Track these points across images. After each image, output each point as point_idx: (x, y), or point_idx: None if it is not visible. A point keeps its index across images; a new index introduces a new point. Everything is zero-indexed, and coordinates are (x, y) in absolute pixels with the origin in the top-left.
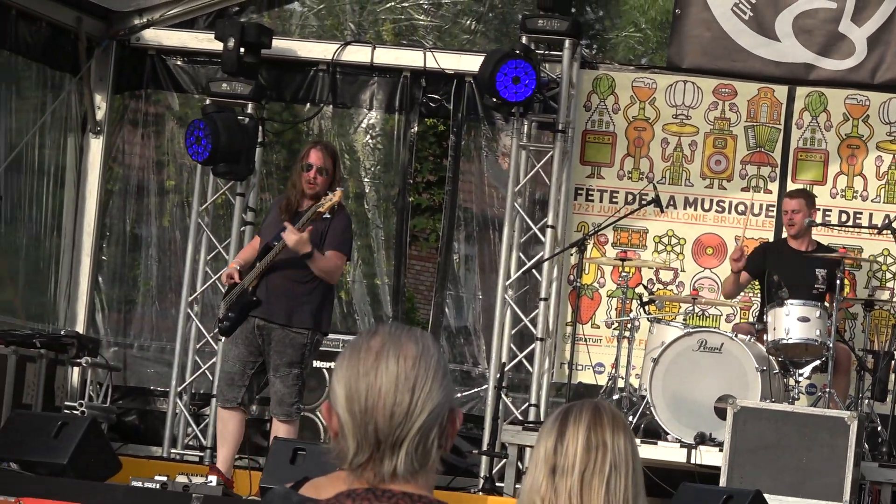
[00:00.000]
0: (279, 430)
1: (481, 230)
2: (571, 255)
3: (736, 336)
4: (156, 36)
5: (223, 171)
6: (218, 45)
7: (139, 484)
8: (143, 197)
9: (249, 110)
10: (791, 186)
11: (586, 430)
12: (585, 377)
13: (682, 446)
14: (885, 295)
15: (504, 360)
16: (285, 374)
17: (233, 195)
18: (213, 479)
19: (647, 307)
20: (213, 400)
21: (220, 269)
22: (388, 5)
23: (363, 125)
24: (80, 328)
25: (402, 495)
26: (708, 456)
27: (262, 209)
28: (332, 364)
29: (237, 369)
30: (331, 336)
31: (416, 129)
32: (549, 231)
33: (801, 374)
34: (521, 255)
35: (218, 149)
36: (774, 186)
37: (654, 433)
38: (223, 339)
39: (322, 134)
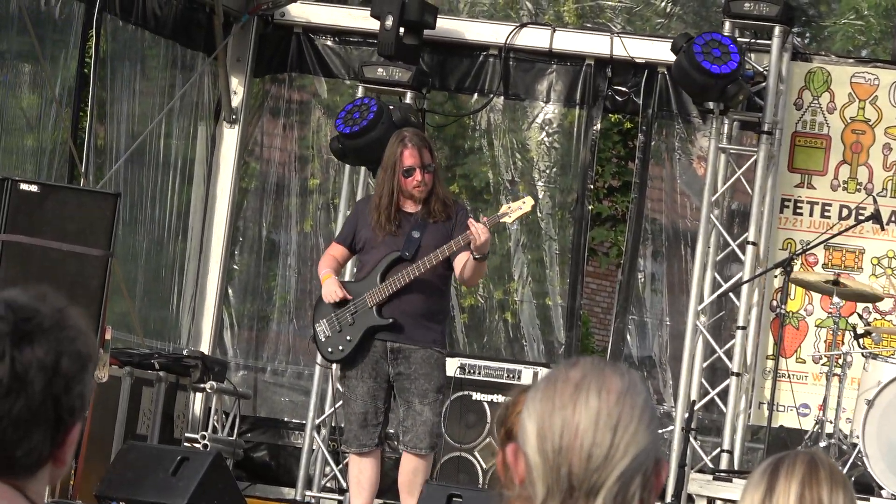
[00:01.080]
0: (415, 466)
1: (671, 245)
2: (775, 276)
3: None
4: (303, 12)
5: (369, 166)
6: (374, 24)
7: None
8: (283, 197)
9: (408, 99)
10: None
11: (800, 485)
12: (788, 420)
13: None
14: None
15: (693, 397)
16: (434, 399)
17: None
18: None
19: (861, 340)
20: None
21: None
22: None
23: (538, 120)
24: (205, 348)
25: None
26: None
27: None
28: (494, 397)
29: (370, 407)
30: (494, 365)
31: (598, 126)
32: (749, 248)
33: None
34: (716, 275)
35: (373, 130)
36: None
37: (866, 487)
38: (335, 367)
39: (491, 130)
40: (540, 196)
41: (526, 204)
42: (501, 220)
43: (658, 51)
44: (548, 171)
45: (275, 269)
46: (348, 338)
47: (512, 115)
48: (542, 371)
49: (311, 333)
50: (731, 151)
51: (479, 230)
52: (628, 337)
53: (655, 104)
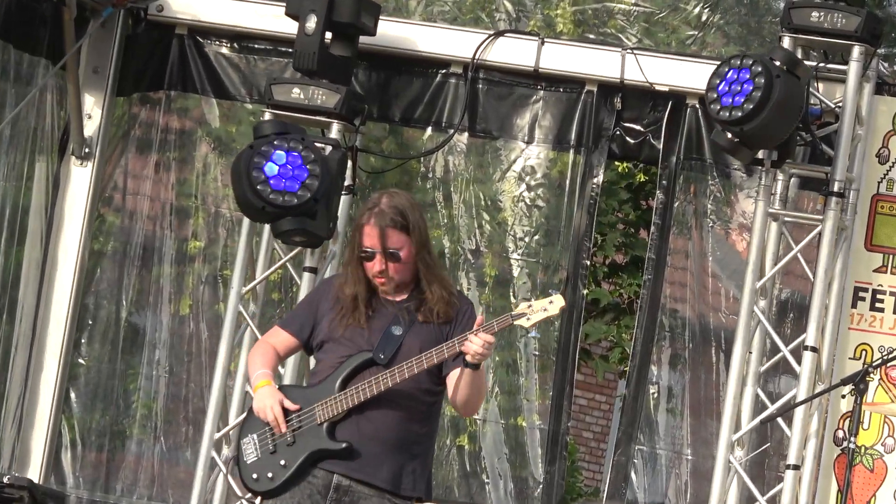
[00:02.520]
0: None
1: (697, 348)
2: (843, 396)
3: None
4: (189, 5)
5: (290, 230)
6: (290, 26)
7: None
8: (152, 265)
9: (334, 133)
10: None
11: None
12: None
13: None
14: None
15: None
16: None
17: (298, 270)
18: None
19: None
20: None
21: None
22: None
23: (516, 167)
24: (34, 474)
25: None
26: None
27: None
28: None
29: None
30: None
31: (601, 177)
32: (807, 356)
33: None
34: (759, 392)
35: (323, 189)
36: None
37: None
38: (257, 501)
39: (450, 179)
40: (514, 274)
41: (553, 305)
42: (516, 324)
43: (686, 75)
44: (527, 240)
45: (136, 367)
46: (282, 462)
47: (479, 160)
48: None
49: (230, 454)
50: (787, 220)
51: (479, 342)
52: (633, 476)
53: (681, 149)
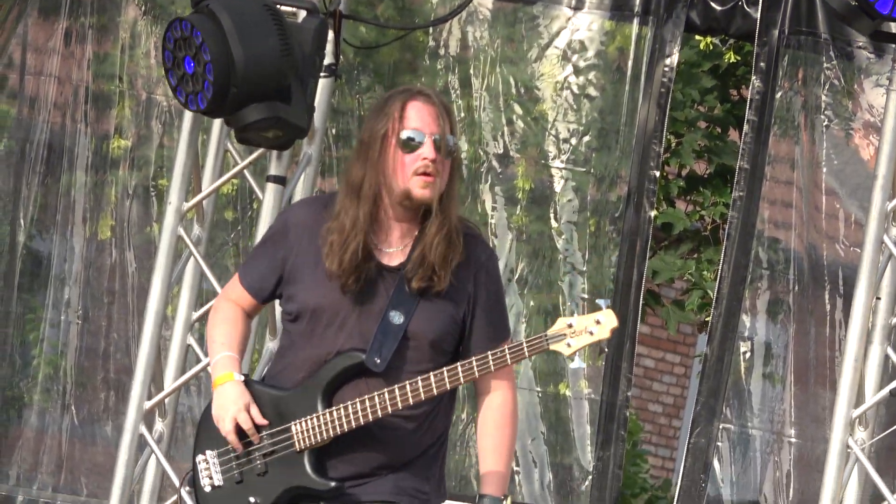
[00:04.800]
0: None
1: (805, 292)
2: None
3: None
4: None
5: (259, 122)
6: None
7: None
8: (60, 172)
9: None
10: None
11: None
12: None
13: None
14: None
15: None
16: None
17: (259, 180)
18: None
19: None
20: None
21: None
22: None
23: (559, 43)
24: None
25: None
26: None
27: None
28: None
29: None
30: None
31: (676, 57)
32: None
33: None
34: (890, 352)
35: (230, 80)
36: None
37: None
38: None
39: (469, 58)
40: (558, 189)
41: (602, 326)
42: (553, 349)
43: None
44: (573, 142)
45: (38, 310)
46: (252, 500)
47: (509, 32)
48: None
49: (182, 473)
50: None
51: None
52: (716, 464)
53: (786, 20)
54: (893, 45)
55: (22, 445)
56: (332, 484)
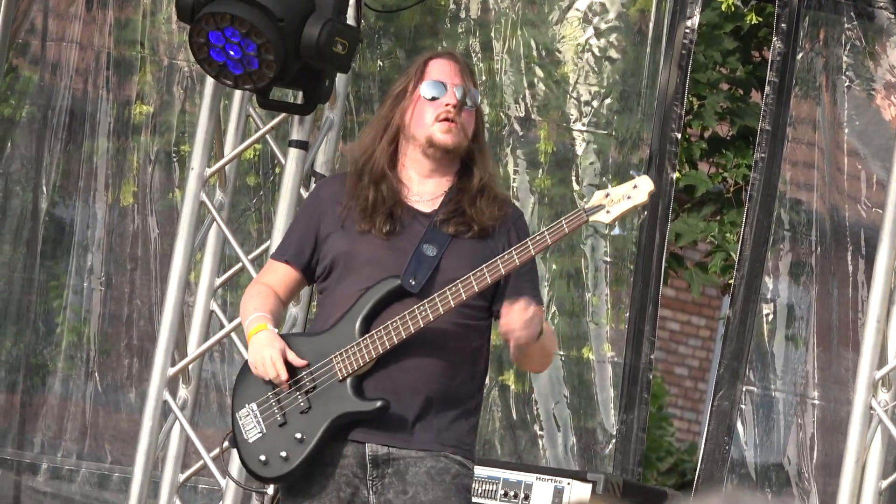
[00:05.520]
0: None
1: (827, 253)
2: None
3: None
4: None
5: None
6: None
7: None
8: (82, 139)
9: None
10: None
11: None
12: None
13: None
14: None
15: None
16: None
17: (281, 145)
18: None
19: None
20: None
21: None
22: None
23: (580, 5)
24: None
25: None
26: None
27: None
28: None
29: None
30: (480, 473)
31: (697, 18)
32: None
33: None
34: None
35: (286, 50)
36: None
37: None
38: (270, 490)
39: (490, 20)
40: (578, 151)
41: (639, 190)
42: (593, 221)
43: None
44: (595, 104)
45: (61, 277)
46: (298, 436)
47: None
48: (576, 489)
49: (226, 430)
50: None
51: (519, 312)
52: (739, 427)
53: None
54: None
55: (46, 413)
56: (378, 404)
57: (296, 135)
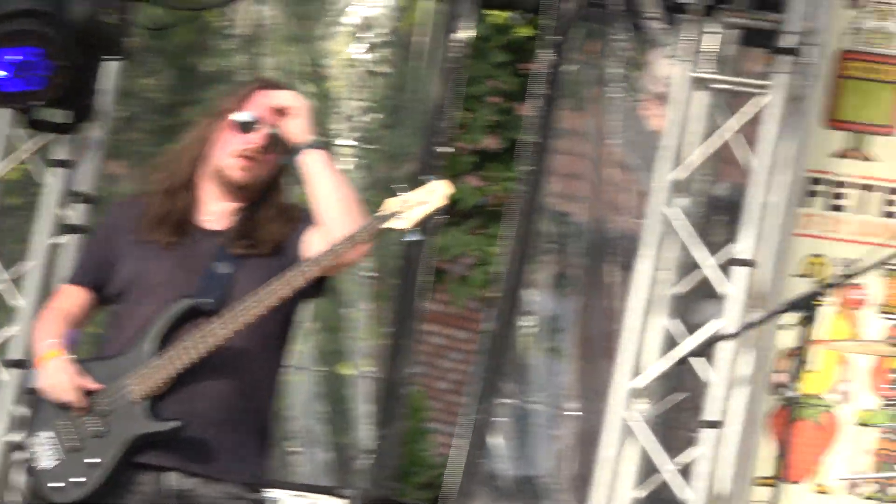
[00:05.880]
0: None
1: (595, 266)
2: (780, 328)
3: None
4: None
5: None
6: None
7: None
8: None
9: None
10: None
11: None
12: None
13: None
14: None
15: None
16: None
17: (41, 165)
18: None
19: None
20: None
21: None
22: None
23: (349, 21)
24: None
25: None
26: None
27: (101, 202)
28: None
29: None
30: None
31: (469, 32)
32: (739, 274)
33: None
34: (670, 323)
35: (60, 70)
36: None
37: None
38: None
39: (260, 36)
40: (350, 167)
41: (436, 193)
42: (386, 228)
43: None
44: (365, 119)
45: None
46: (93, 460)
47: (301, 11)
48: None
49: (20, 458)
50: (721, 87)
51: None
52: (495, 440)
53: None
54: (680, 15)
55: None
56: (171, 424)
57: (60, 153)
